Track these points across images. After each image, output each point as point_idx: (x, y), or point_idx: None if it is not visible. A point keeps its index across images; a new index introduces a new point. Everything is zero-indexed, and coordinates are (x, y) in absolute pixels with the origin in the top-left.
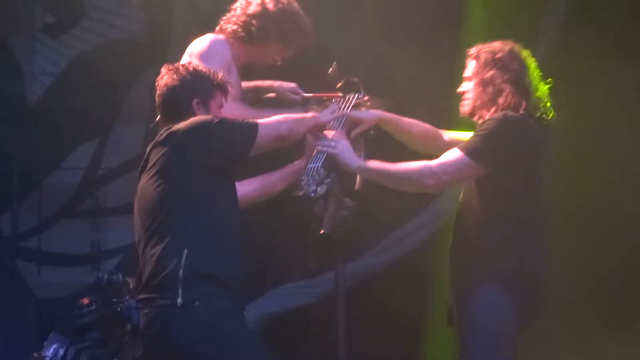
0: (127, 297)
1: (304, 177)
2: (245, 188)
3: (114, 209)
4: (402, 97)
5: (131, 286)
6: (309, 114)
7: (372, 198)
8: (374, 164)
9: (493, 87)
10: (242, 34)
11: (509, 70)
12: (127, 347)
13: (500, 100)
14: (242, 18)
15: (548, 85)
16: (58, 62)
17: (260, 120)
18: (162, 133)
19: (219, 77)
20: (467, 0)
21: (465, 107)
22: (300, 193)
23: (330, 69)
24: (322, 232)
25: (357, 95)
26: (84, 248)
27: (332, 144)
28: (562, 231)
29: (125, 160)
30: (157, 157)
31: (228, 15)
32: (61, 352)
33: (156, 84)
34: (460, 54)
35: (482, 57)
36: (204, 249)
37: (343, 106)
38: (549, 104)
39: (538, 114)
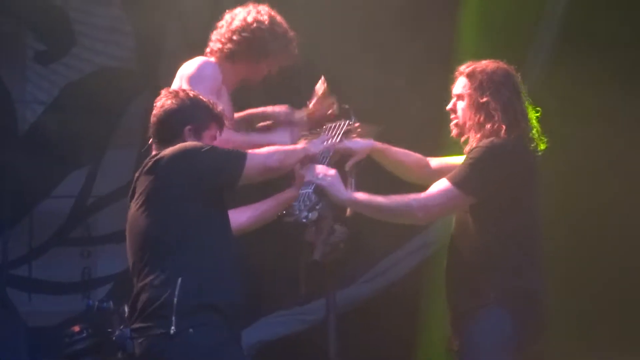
0: (122, 327)
1: (295, 202)
2: (240, 216)
3: (105, 237)
4: (390, 119)
5: (126, 314)
6: (300, 146)
7: (364, 224)
8: (362, 196)
9: (485, 112)
10: (227, 50)
11: (503, 96)
12: None
13: (488, 126)
14: (227, 35)
15: (537, 114)
16: (49, 90)
17: (250, 151)
18: (148, 162)
19: (218, 109)
20: (457, 28)
21: (454, 128)
22: (292, 219)
23: (318, 84)
24: (313, 259)
25: (347, 122)
26: (75, 276)
27: (321, 176)
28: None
29: (116, 187)
30: (143, 186)
31: (215, 32)
32: None
33: (154, 104)
34: (449, 78)
35: (477, 78)
36: (197, 277)
37: (334, 133)
38: (537, 134)
39: (526, 140)
